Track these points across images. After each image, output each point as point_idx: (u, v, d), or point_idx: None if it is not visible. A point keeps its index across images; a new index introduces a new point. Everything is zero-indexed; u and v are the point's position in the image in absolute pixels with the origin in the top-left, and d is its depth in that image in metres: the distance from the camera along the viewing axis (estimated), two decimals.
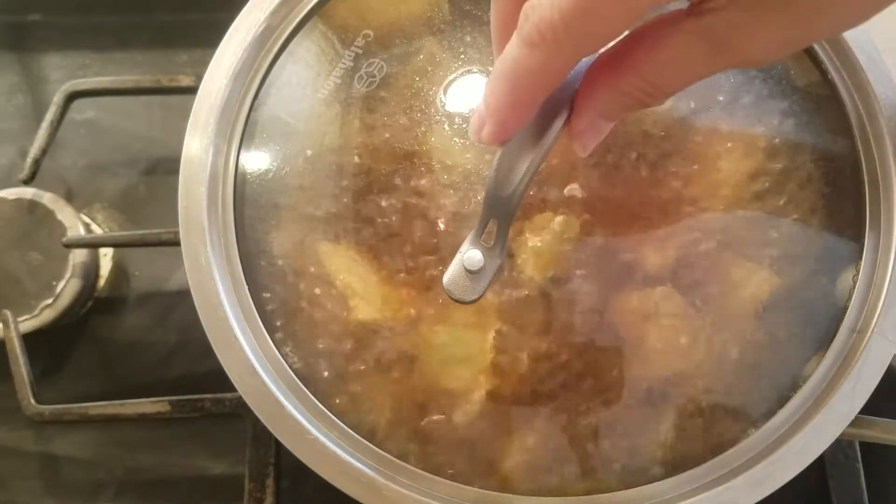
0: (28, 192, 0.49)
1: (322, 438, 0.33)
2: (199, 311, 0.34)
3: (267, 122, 0.37)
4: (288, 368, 0.35)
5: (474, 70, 0.38)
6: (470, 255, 0.31)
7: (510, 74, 0.25)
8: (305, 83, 0.38)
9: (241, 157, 0.37)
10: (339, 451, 0.33)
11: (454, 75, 0.38)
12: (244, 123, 0.37)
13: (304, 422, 0.33)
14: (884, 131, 0.36)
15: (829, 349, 0.35)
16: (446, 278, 0.31)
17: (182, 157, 0.35)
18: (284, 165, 0.37)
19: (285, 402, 0.33)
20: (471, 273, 0.31)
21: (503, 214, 0.31)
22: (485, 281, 0.31)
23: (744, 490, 0.32)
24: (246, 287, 0.35)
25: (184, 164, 0.35)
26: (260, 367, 0.34)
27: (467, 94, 0.37)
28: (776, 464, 0.33)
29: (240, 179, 0.36)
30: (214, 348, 0.34)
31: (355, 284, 0.36)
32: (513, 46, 0.25)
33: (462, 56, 0.38)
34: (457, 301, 0.31)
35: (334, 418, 0.34)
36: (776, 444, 0.33)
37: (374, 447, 0.34)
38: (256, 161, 0.37)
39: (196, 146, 0.36)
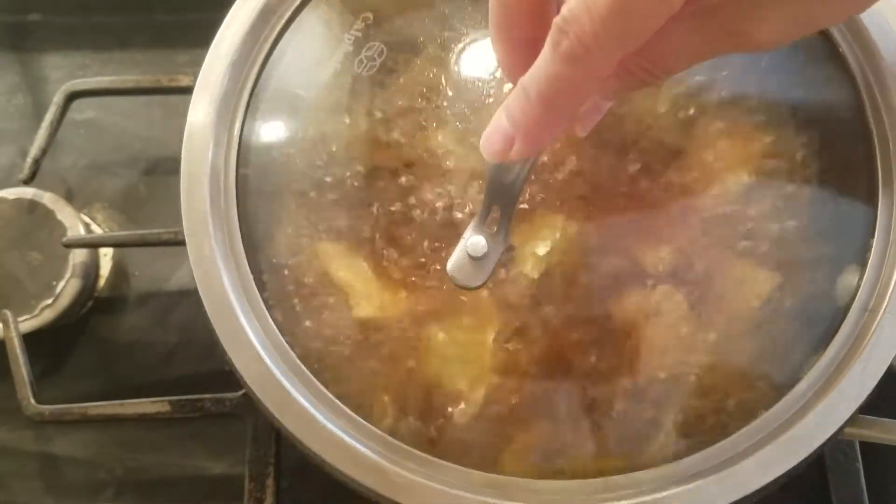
0: (28, 192, 0.49)
1: (329, 426, 0.33)
2: (203, 299, 0.34)
3: (266, 112, 0.37)
4: (295, 357, 0.34)
5: (478, 52, 0.37)
6: (473, 241, 0.31)
7: (548, 92, 0.25)
8: (306, 69, 0.38)
9: (240, 151, 0.37)
10: (347, 439, 0.33)
11: (457, 57, 0.37)
12: (244, 113, 0.37)
13: (312, 409, 0.33)
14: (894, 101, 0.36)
15: (840, 329, 0.34)
16: (450, 265, 0.31)
17: (182, 155, 0.35)
18: (285, 155, 0.37)
19: (292, 390, 0.33)
20: (474, 259, 0.31)
21: (506, 201, 0.31)
22: (489, 267, 0.31)
23: (752, 473, 0.32)
24: (251, 275, 0.35)
25: (185, 161, 0.35)
26: (265, 354, 0.34)
27: (472, 76, 0.37)
28: (784, 446, 0.32)
29: (241, 175, 0.36)
30: (216, 328, 0.34)
31: (356, 283, 0.36)
32: (548, 64, 0.24)
33: (465, 38, 0.37)
34: (461, 287, 0.31)
35: (342, 406, 0.34)
36: (784, 427, 0.33)
37: (382, 433, 0.34)
38: (257, 152, 0.37)
39: (196, 142, 0.35)
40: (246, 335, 0.34)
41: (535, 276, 0.36)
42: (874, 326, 0.34)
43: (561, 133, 0.28)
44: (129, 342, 0.51)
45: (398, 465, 0.33)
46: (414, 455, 0.33)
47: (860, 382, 0.33)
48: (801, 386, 0.34)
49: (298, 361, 0.34)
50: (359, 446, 0.33)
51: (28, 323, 0.47)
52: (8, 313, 0.46)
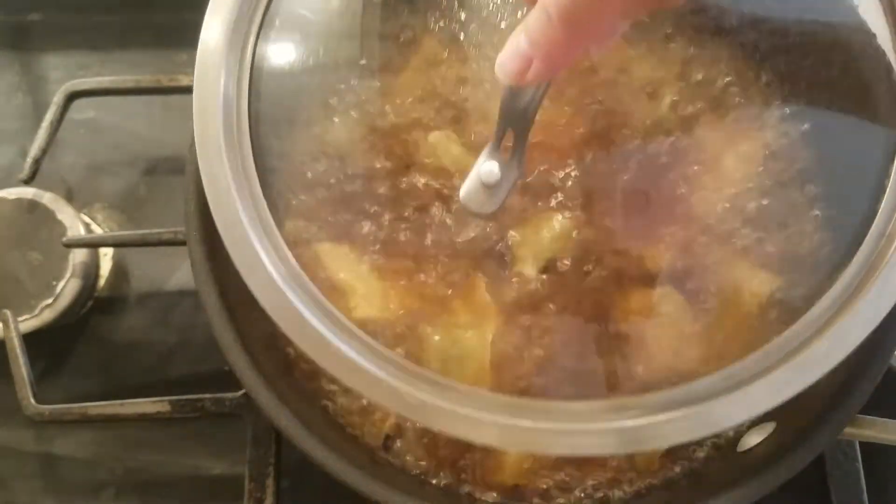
0: (28, 192, 0.49)
1: (344, 348, 0.32)
2: (217, 222, 0.32)
3: (278, 35, 0.36)
4: (309, 281, 0.33)
5: None
6: (486, 167, 0.30)
7: (570, 12, 0.24)
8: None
9: (252, 76, 0.35)
10: (363, 361, 0.32)
11: None
12: (256, 34, 0.35)
13: (327, 332, 0.32)
14: None
15: (856, 256, 0.33)
16: (462, 192, 0.30)
17: (195, 82, 0.34)
18: (298, 77, 0.36)
19: (307, 314, 0.32)
20: (487, 187, 0.30)
21: (520, 126, 0.30)
22: (502, 194, 0.30)
23: (763, 393, 0.31)
24: (264, 200, 0.34)
25: (197, 87, 0.34)
26: (279, 278, 0.32)
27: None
28: (797, 368, 0.31)
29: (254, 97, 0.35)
30: (231, 253, 0.32)
31: (356, 284, 0.36)
32: None
33: None
34: (474, 215, 0.31)
35: (356, 330, 0.33)
36: (797, 350, 0.32)
37: (397, 357, 0.33)
38: (269, 77, 0.36)
39: (205, 86, 0.35)
40: (261, 261, 0.32)
41: (535, 275, 0.36)
42: (891, 252, 0.32)
43: (579, 55, 0.28)
44: (129, 342, 0.51)
45: (413, 385, 0.32)
46: (428, 378, 0.32)
47: (875, 306, 0.32)
48: (815, 311, 0.32)
49: (313, 286, 0.33)
50: (374, 368, 0.32)
51: (28, 323, 0.47)
52: (8, 313, 0.46)
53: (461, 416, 0.30)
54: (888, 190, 0.34)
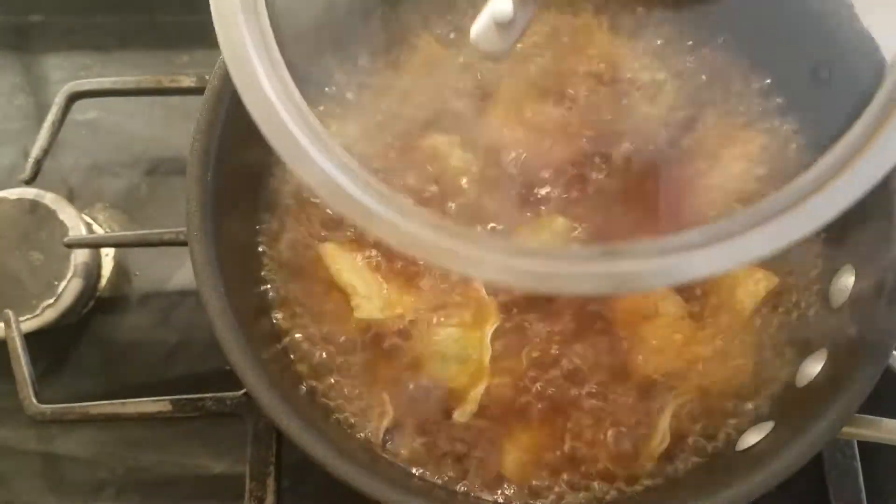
0: (30, 193, 0.49)
1: (358, 194, 0.29)
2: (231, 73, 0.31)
3: None
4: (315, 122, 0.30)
5: None
6: (499, 4, 0.28)
7: None
8: None
9: None
10: (376, 205, 0.29)
11: None
12: None
13: (349, 183, 0.29)
14: None
15: (859, 119, 0.30)
16: (473, 32, 0.29)
17: None
18: None
19: (321, 159, 0.29)
20: (500, 26, 0.28)
21: None
22: (515, 33, 0.29)
23: (755, 243, 0.30)
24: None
25: None
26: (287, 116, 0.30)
27: None
28: (790, 221, 0.30)
29: None
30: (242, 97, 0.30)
31: (358, 284, 0.36)
32: None
33: None
34: (486, 55, 0.29)
35: (371, 178, 0.30)
36: (791, 207, 0.30)
37: (398, 197, 0.30)
38: None
39: None
40: (277, 112, 0.30)
41: None
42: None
43: None
44: (131, 342, 0.51)
45: (414, 222, 0.30)
46: (426, 218, 0.30)
47: (873, 166, 0.29)
48: (812, 173, 0.30)
49: (329, 139, 0.31)
50: (380, 207, 0.29)
51: (30, 322, 0.47)
52: (10, 313, 0.46)
53: (460, 254, 0.29)
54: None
